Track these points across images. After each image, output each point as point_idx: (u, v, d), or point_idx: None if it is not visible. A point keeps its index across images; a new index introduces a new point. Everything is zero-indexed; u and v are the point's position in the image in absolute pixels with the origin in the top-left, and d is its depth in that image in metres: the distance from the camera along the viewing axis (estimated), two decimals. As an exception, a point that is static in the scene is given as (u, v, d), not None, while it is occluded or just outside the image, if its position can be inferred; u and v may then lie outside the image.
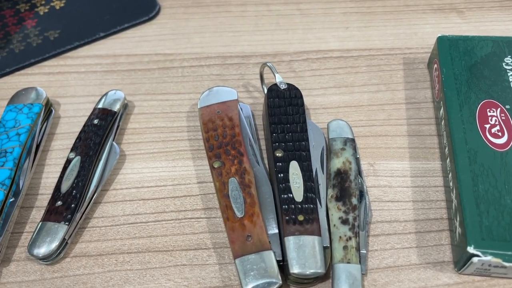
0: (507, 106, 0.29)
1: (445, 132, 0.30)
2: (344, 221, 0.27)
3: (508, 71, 0.31)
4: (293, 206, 0.26)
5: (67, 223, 0.28)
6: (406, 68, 0.36)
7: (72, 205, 0.28)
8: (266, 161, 0.31)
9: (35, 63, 0.40)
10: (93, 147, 0.31)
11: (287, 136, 0.29)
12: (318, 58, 0.37)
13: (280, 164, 0.28)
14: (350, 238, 0.26)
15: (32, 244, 0.27)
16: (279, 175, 0.28)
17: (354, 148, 0.30)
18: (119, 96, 0.34)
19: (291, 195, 0.27)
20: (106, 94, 0.35)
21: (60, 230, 0.27)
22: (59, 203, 0.28)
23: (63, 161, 0.32)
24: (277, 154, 0.28)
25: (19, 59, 0.40)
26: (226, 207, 0.27)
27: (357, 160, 0.30)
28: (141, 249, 0.28)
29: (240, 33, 0.40)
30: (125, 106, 0.35)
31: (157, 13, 0.42)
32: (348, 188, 0.28)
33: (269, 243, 0.26)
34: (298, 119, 0.30)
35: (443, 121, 0.31)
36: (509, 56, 0.32)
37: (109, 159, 0.31)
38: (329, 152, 0.30)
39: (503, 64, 0.31)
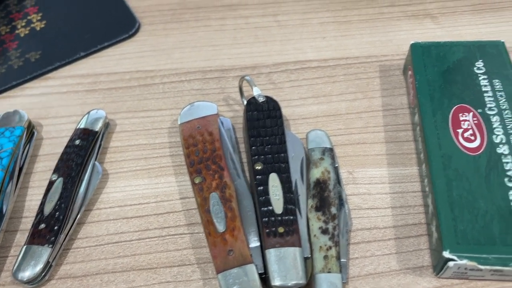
0: (479, 110, 0.30)
1: (420, 138, 0.30)
2: (324, 231, 0.27)
3: (479, 75, 0.32)
4: (273, 218, 0.27)
5: (51, 246, 0.28)
6: (382, 75, 0.37)
7: (55, 227, 0.28)
8: (247, 173, 0.32)
9: (17, 85, 0.40)
10: (75, 168, 0.31)
11: (266, 149, 0.30)
12: (297, 69, 0.38)
13: (260, 177, 0.29)
14: (330, 247, 0.26)
15: (17, 268, 0.27)
16: (259, 188, 0.28)
17: (333, 157, 0.30)
18: (100, 115, 0.35)
19: (271, 208, 0.27)
20: (88, 113, 0.35)
21: (44, 253, 0.28)
22: (42, 225, 0.29)
23: (46, 183, 0.32)
24: (257, 167, 0.29)
25: (0, 82, 0.40)
26: (207, 222, 0.27)
27: (336, 169, 0.30)
28: (126, 268, 0.28)
29: (220, 47, 0.41)
30: (106, 125, 0.35)
31: (137, 30, 0.43)
32: (327, 197, 0.28)
33: (250, 257, 0.26)
34: (276, 131, 0.31)
35: (418, 127, 0.31)
36: (480, 60, 0.32)
37: (91, 179, 0.32)
38: (308, 162, 0.31)
39: (475, 68, 0.32)
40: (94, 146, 0.33)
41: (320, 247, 0.26)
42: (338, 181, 0.30)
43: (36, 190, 0.33)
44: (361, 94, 0.36)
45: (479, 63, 0.32)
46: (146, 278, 0.28)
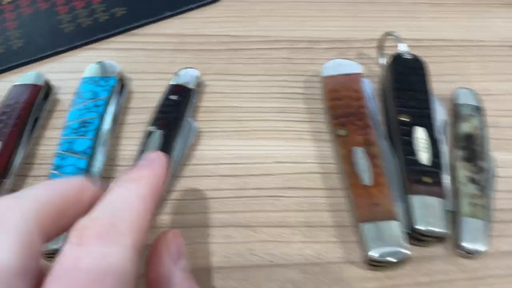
0: None
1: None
2: (472, 180, 0.27)
3: None
4: (418, 167, 0.27)
5: None
6: (479, 60, 0.36)
7: None
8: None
9: (103, 38, 0.40)
10: (173, 122, 0.31)
11: (411, 102, 0.30)
12: (388, 46, 0.37)
13: (405, 128, 0.28)
14: (478, 196, 0.26)
15: None
16: (404, 137, 0.28)
17: (483, 116, 0.30)
18: (193, 74, 0.35)
19: (415, 158, 0.27)
20: (178, 71, 0.35)
21: None
22: None
23: (138, 135, 0.33)
24: (402, 118, 0.29)
25: (87, 34, 0.40)
26: (352, 173, 0.27)
27: (484, 130, 0.30)
28: (224, 224, 0.28)
29: (307, 18, 0.40)
30: (199, 84, 0.35)
31: (223, -5, 0.42)
32: (476, 150, 0.28)
33: (396, 214, 0.26)
34: (422, 88, 0.30)
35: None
36: None
37: (188, 135, 0.32)
38: (457, 117, 0.30)
39: None
40: (189, 103, 0.33)
41: (468, 194, 0.26)
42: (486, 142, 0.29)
43: (129, 141, 0.33)
44: (459, 77, 0.35)
45: None
46: (245, 235, 0.28)
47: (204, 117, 0.34)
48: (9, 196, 0.16)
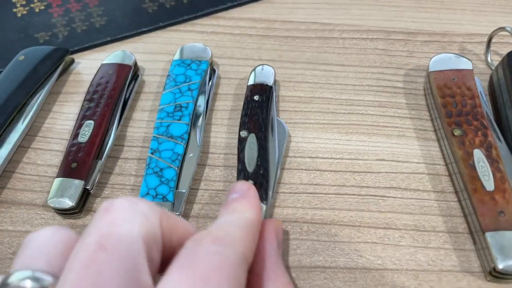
0: None
1: None
2: None
3: None
4: None
5: (265, 202, 0.26)
6: None
7: (265, 183, 0.27)
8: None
9: (187, 20, 0.39)
10: (262, 123, 0.29)
11: None
12: (495, 42, 0.35)
13: None
14: None
15: None
16: None
17: None
18: (269, 71, 0.32)
19: None
20: (254, 69, 0.32)
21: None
22: (251, 182, 0.27)
23: (227, 122, 0.32)
24: None
25: (171, 14, 0.39)
26: (472, 178, 0.25)
27: None
28: (326, 221, 0.27)
29: (402, 8, 0.38)
30: (275, 81, 0.32)
31: (311, -20, 0.41)
32: None
33: None
34: None
35: None
36: None
37: (281, 136, 0.29)
38: None
39: None
40: (272, 101, 0.31)
41: None
42: None
43: (219, 127, 0.32)
44: None
45: None
46: (349, 235, 0.26)
47: (297, 107, 0.32)
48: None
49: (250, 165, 0.27)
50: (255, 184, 0.27)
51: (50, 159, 0.31)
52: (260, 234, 0.19)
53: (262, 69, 0.33)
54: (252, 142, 0.29)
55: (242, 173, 0.27)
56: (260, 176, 0.27)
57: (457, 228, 0.26)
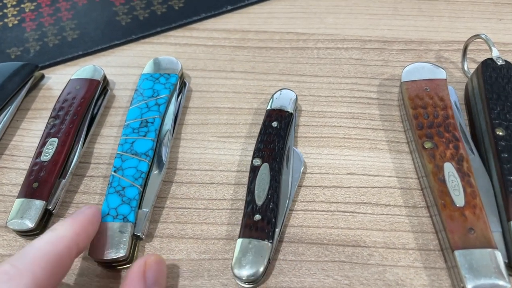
0: None
1: None
2: None
3: None
4: None
5: (271, 241, 0.24)
6: None
7: (273, 220, 0.25)
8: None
9: (160, 32, 0.38)
10: (277, 153, 0.27)
11: (508, 115, 0.26)
12: (472, 49, 0.34)
13: (503, 143, 0.25)
14: None
15: (236, 262, 0.24)
16: (502, 155, 0.25)
17: None
18: (289, 96, 0.31)
19: None
20: (274, 94, 0.31)
21: (266, 248, 0.24)
22: (258, 217, 0.25)
23: (197, 136, 0.31)
24: (498, 133, 0.26)
25: (144, 26, 0.39)
26: (442, 192, 0.24)
27: None
28: (293, 239, 0.26)
29: (378, 16, 0.37)
30: (297, 107, 0.31)
31: (286, -11, 0.40)
32: None
33: (494, 242, 0.23)
34: None
35: None
36: None
37: (296, 168, 0.28)
38: None
39: None
40: (290, 129, 0.29)
41: None
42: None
43: (189, 142, 0.31)
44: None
45: None
46: (316, 253, 0.25)
47: (269, 120, 0.32)
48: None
49: (260, 198, 0.26)
50: (262, 220, 0.25)
51: (15, 178, 0.30)
52: (135, 272, 0.22)
53: (282, 93, 0.31)
54: (264, 172, 0.27)
55: (251, 206, 0.26)
56: (269, 211, 0.25)
57: (428, 245, 0.25)
